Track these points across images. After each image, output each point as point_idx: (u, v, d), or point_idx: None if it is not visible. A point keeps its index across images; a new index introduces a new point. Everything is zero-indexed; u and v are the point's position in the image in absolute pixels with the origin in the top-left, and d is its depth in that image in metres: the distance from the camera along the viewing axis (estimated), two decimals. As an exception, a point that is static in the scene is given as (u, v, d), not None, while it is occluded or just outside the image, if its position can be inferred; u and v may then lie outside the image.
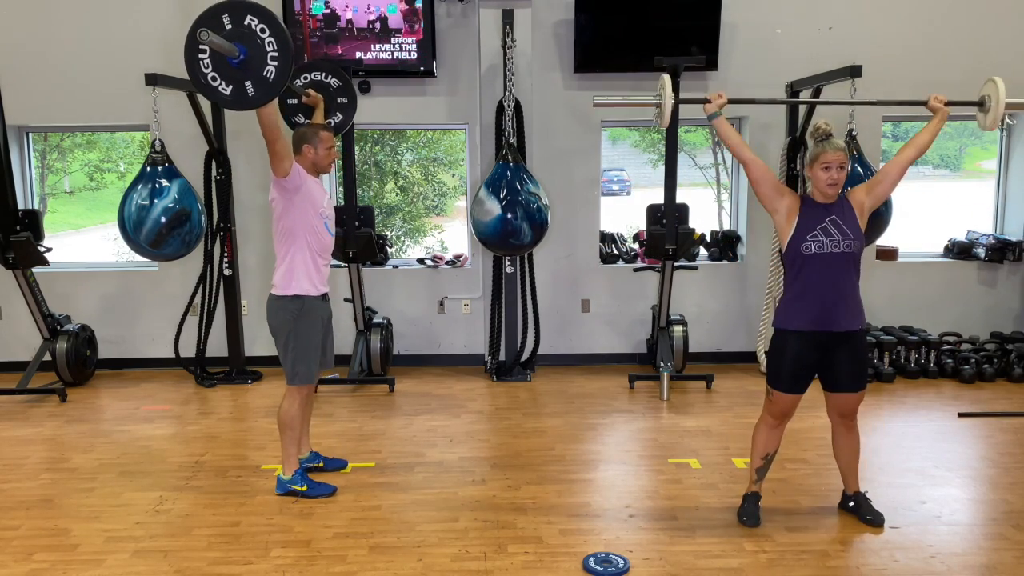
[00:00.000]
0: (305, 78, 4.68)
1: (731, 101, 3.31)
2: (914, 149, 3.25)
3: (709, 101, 3.27)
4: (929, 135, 3.27)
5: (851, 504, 3.42)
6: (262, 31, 3.16)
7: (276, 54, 3.17)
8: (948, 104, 3.27)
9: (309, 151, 3.62)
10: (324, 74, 4.81)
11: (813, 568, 2.99)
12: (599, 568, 2.97)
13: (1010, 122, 6.13)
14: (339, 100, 4.80)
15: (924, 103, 3.30)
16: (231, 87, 3.20)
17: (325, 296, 3.72)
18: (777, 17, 5.87)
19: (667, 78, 3.47)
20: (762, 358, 5.67)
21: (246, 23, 3.15)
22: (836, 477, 3.49)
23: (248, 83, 3.18)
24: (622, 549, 3.13)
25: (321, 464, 3.97)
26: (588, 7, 5.69)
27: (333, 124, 4.76)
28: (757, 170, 3.20)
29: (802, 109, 5.46)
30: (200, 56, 3.18)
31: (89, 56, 5.81)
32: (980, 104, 3.44)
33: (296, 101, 4.58)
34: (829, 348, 3.16)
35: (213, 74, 3.19)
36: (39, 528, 3.40)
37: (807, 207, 3.15)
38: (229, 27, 3.14)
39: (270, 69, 3.17)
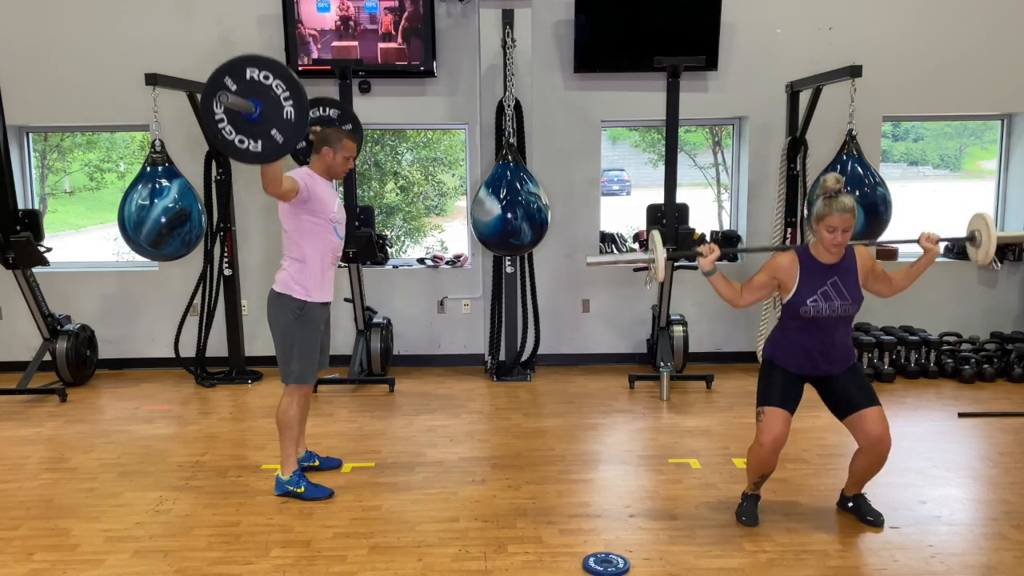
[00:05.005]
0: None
1: (722, 252, 3.22)
2: (907, 282, 3.26)
3: (702, 255, 3.16)
4: (918, 273, 3.25)
5: (850, 504, 3.42)
6: (265, 78, 3.14)
7: (288, 94, 3.15)
8: (939, 242, 3.21)
9: (328, 154, 3.59)
10: (324, 108, 5.06)
11: (813, 568, 2.99)
12: (599, 568, 2.97)
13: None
14: (344, 128, 4.92)
15: (916, 241, 3.23)
16: (260, 141, 3.18)
17: (326, 303, 3.71)
18: (777, 17, 5.87)
19: (657, 234, 3.30)
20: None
21: (248, 77, 3.13)
22: (836, 477, 3.49)
23: (274, 131, 3.16)
24: (622, 549, 3.14)
25: (317, 463, 3.97)
26: (588, 7, 5.69)
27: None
28: (763, 291, 3.23)
29: (802, 110, 5.45)
30: (220, 124, 3.16)
31: (89, 56, 5.81)
32: (971, 239, 3.33)
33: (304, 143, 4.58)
34: (820, 382, 3.27)
35: (240, 137, 3.17)
36: (39, 528, 3.40)
37: (808, 266, 3.14)
38: (235, 88, 3.12)
39: (288, 110, 3.15)
